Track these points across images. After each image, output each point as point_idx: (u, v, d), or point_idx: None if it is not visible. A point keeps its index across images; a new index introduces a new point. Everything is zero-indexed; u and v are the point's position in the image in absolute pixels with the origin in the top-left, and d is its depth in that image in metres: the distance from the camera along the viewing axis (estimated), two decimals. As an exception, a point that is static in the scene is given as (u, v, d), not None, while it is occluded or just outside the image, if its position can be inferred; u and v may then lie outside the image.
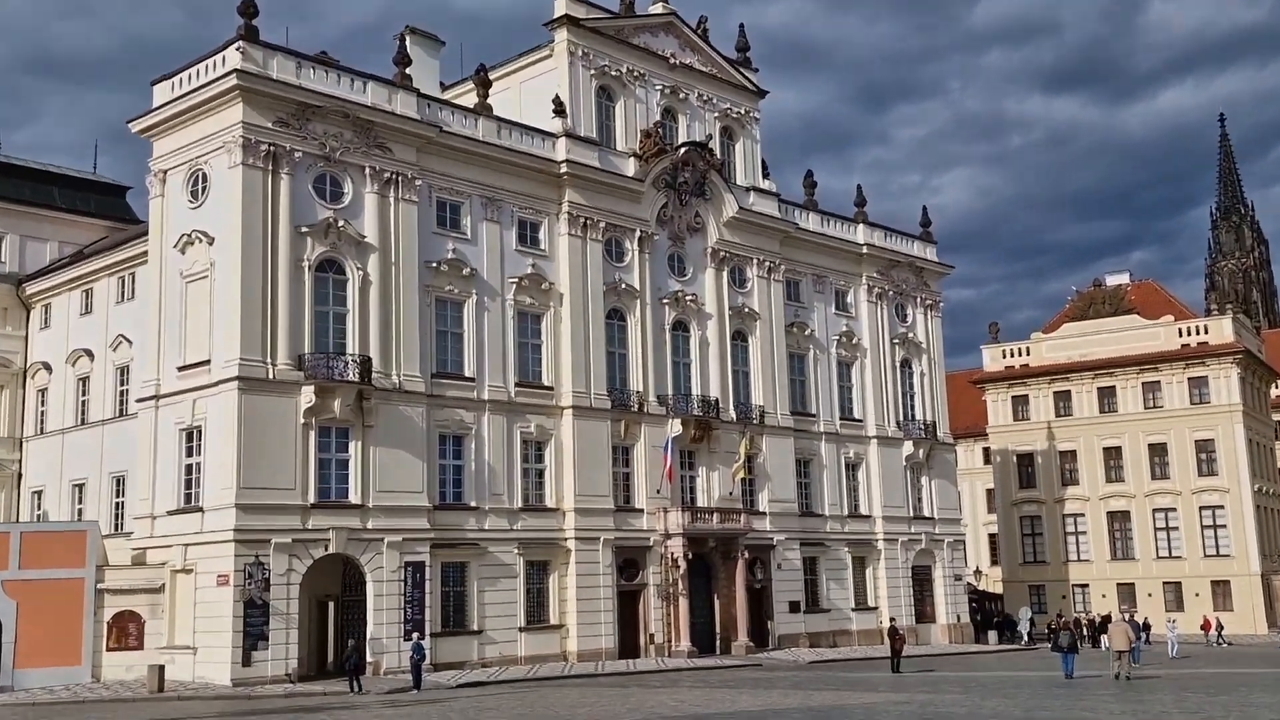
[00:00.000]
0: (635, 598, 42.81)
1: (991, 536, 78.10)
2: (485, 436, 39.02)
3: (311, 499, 34.06)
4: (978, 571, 68.11)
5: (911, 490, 55.65)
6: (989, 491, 77.46)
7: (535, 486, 40.73)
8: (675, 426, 44.30)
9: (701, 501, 45.73)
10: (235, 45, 34.38)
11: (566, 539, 40.72)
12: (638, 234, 44.76)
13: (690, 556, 43.12)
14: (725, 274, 48.16)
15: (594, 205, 43.23)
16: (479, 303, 39.38)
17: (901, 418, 55.76)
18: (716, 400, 46.41)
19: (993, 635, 57.18)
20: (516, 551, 39.35)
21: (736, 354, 48.43)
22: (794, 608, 48.48)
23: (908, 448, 55.12)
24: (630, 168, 45.11)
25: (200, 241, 35.12)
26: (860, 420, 54.02)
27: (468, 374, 38.78)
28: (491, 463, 39.21)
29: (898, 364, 56.14)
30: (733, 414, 47.29)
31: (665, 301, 45.79)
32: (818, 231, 53.23)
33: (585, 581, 40.74)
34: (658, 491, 43.60)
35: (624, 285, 44.18)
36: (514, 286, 40.49)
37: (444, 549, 37.19)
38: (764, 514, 48.05)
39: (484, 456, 39.07)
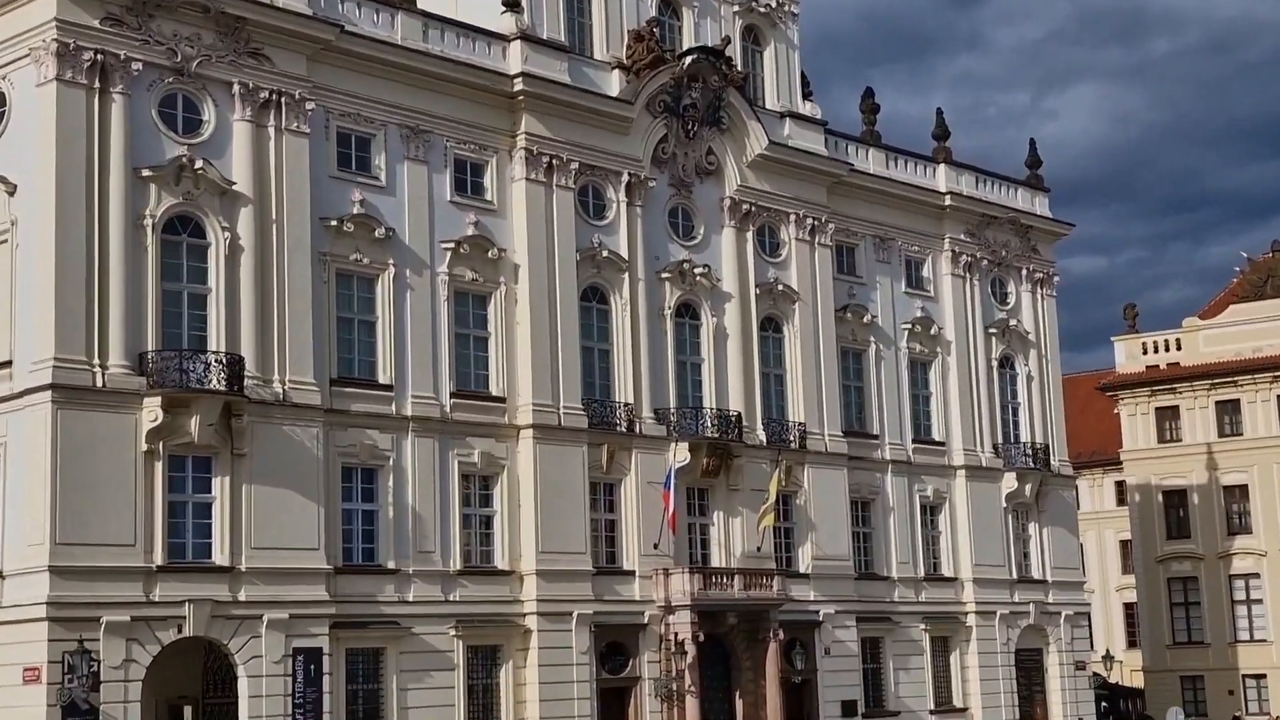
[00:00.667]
0: (623, 697, 43.03)
1: (1128, 607, 78.67)
2: (409, 469, 39.24)
3: (159, 559, 33.91)
4: (1109, 658, 68.39)
5: (1015, 543, 56.28)
6: (1124, 544, 77.99)
7: (481, 540, 41.02)
8: (680, 453, 44.57)
9: (718, 560, 45.97)
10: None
11: (524, 614, 41.08)
12: (625, 179, 44.89)
13: (702, 638, 43.37)
14: (750, 236, 48.53)
15: (562, 138, 43.29)
16: (399, 278, 39.53)
17: (1001, 439, 56.40)
18: (738, 416, 46.62)
19: (1130, 749, 57.97)
20: (453, 633, 39.52)
21: (767, 350, 48.88)
22: (848, 710, 48.76)
23: (1009, 482, 55.65)
24: (614, 84, 45.22)
25: (-6, 190, 34.96)
26: (942, 444, 54.62)
27: (383, 380, 39.10)
28: (417, 506, 39.40)
29: (994, 363, 56.68)
30: (761, 436, 47.67)
31: (665, 275, 46.01)
32: (881, 176, 53.72)
33: (551, 674, 40.95)
34: (655, 547, 43.86)
35: (605, 252, 44.24)
36: (449, 254, 40.69)
37: (349, 629, 37.28)
38: (806, 577, 48.47)
39: (405, 498, 39.24)
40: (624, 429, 43.90)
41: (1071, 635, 57.19)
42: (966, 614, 53.73)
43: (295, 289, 37.04)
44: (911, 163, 55.06)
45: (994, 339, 56.65)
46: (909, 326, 53.87)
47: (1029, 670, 55.81)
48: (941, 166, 55.76)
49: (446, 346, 40.48)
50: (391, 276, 39.50)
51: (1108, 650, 71.35)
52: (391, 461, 38.90)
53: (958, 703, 53.17)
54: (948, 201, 55.24)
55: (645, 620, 43.36)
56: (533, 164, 42.57)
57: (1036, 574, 56.70)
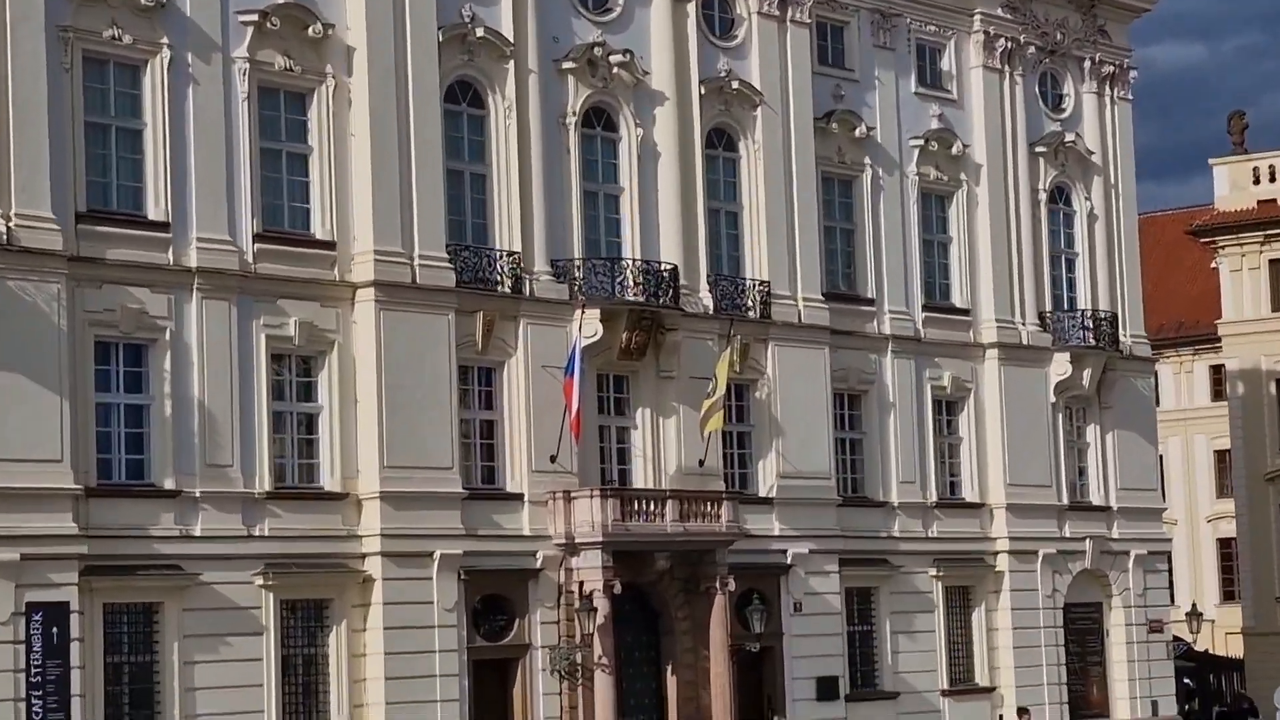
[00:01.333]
0: (505, 673, 43.80)
1: (1224, 545, 79.92)
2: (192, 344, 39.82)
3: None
4: (1195, 615, 69.10)
5: (1066, 454, 57.17)
6: (1220, 455, 79.32)
7: (301, 450, 41.63)
8: (589, 325, 44.98)
9: (643, 479, 46.71)
10: None
11: (363, 555, 41.72)
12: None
13: (619, 590, 43.90)
14: (692, 9, 48.61)
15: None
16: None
17: (1049, 306, 57.24)
18: (673, 272, 46.88)
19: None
20: (261, 582, 39.88)
21: (716, 177, 49.50)
22: (826, 691, 49.54)
23: (1060, 367, 56.41)
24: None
25: None
26: (965, 313, 55.40)
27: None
28: (208, 400, 39.74)
29: (1042, 197, 57.38)
30: (706, 301, 48.34)
31: (567, 66, 46.08)
32: (881, -85, 54.11)
33: (402, 640, 41.36)
34: (552, 460, 44.41)
35: (480, 32, 44.11)
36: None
37: (107, 577, 37.51)
38: (768, 503, 49.18)
39: (187, 387, 39.51)
40: (508, 289, 44.19)
41: (1144, 584, 58.13)
42: (996, 554, 54.51)
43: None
44: (926, -99, 55.56)
45: (1043, 162, 57.19)
46: (921, 143, 54.15)
47: (1083, 634, 56.76)
48: (968, -101, 56.31)
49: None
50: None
51: (1194, 605, 71.40)
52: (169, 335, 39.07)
53: (981, 679, 54.06)
54: (979, -41, 55.75)
55: (538, 564, 43.92)
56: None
57: (1096, 498, 57.72)
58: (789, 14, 50.47)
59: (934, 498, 53.73)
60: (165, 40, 39.39)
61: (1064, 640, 55.81)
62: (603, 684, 43.44)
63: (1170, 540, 64.43)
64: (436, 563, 41.85)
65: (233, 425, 39.72)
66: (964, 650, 53.99)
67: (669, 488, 46.03)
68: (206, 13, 40.05)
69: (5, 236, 36.21)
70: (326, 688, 40.94)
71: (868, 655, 51.55)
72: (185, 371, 39.09)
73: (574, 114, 46.00)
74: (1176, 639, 63.51)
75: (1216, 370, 77.91)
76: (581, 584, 43.80)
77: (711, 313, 47.92)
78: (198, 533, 38.98)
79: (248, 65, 40.74)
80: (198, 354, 39.25)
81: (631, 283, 45.78)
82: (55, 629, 35.87)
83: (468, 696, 42.19)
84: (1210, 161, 74.21)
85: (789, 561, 48.90)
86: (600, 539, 43.46)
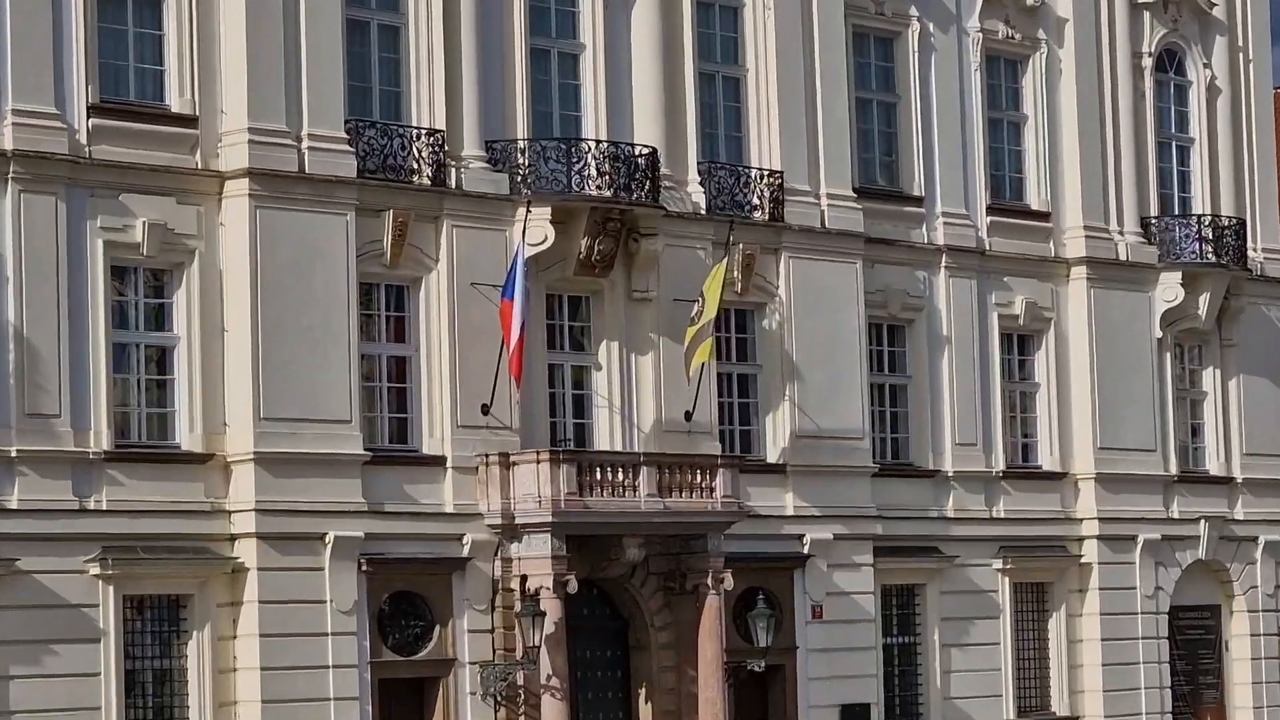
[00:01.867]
0: (420, 695, 44.02)
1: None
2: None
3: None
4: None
5: (1176, 407, 57.94)
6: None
7: (155, 397, 41.71)
8: (537, 228, 45.06)
9: (608, 439, 47.13)
10: None
11: (231, 537, 41.80)
12: None
13: (575, 588, 44.22)
14: None
15: None
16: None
17: (1154, 210, 57.83)
18: (651, 155, 46.97)
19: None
20: (96, 571, 39.84)
21: (709, 29, 49.84)
22: (855, 721, 49.63)
23: (1168, 289, 57.17)
24: None
25: None
26: (1044, 215, 56.25)
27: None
28: None
29: (1147, 63, 58.12)
30: (697, 194, 48.65)
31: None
32: None
33: (282, 652, 41.48)
34: (485, 411, 44.60)
35: None
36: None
37: None
38: (780, 470, 49.66)
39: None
40: (427, 180, 44.25)
41: (1276, 580, 58.62)
42: (1082, 541, 55.17)
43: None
44: None
45: (1148, 16, 57.76)
46: None
47: (1195, 645, 57.26)
48: None
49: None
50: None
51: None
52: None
53: (1059, 706, 54.68)
54: None
55: (465, 552, 44.17)
56: None
57: (1214, 467, 58.62)
58: None
59: (1000, 465, 54.17)
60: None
61: (1170, 654, 56.17)
62: (552, 712, 43.48)
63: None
64: (329, 548, 42.03)
65: (60, 364, 39.71)
66: (1037, 668, 54.46)
67: (644, 450, 46.22)
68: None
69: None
70: (184, 712, 40.96)
71: (910, 676, 52.07)
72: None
73: (507, -47, 45.73)
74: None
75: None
76: (524, 579, 43.97)
77: (703, 212, 48.15)
78: (13, 505, 38.90)
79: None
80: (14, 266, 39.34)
81: (594, 171, 45.62)
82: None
83: (369, 730, 42.63)
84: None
85: (806, 551, 49.34)
86: (550, 519, 43.57)
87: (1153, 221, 57.11)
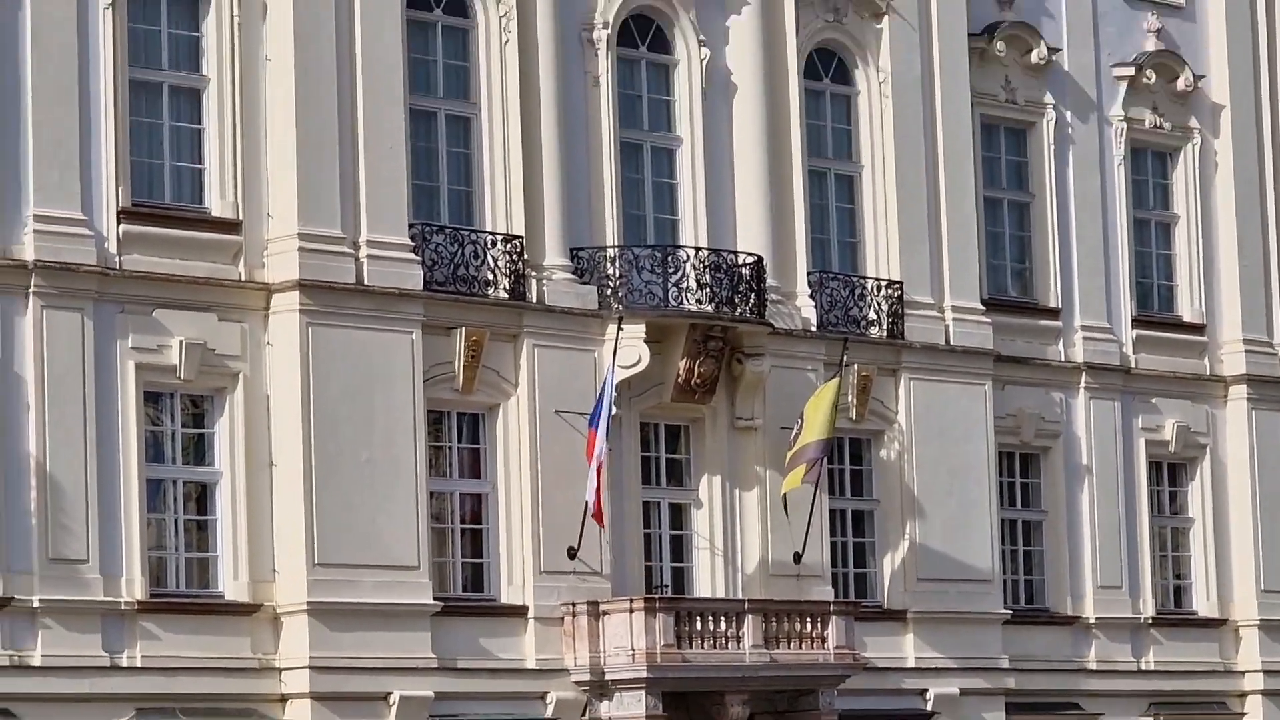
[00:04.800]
0: None
1: None
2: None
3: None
4: None
5: None
6: None
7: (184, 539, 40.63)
8: (629, 350, 44.67)
9: (708, 585, 46.80)
10: None
11: (286, 696, 41.09)
12: None
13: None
14: None
15: None
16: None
17: None
18: (757, 264, 46.73)
19: None
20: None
21: (820, 123, 49.79)
22: None
23: None
24: None
25: None
26: (1199, 328, 55.96)
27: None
28: None
29: None
30: (806, 308, 48.24)
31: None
32: None
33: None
34: (571, 556, 44.04)
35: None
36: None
37: None
38: (899, 617, 49.30)
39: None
40: (503, 293, 43.60)
41: None
42: (1244, 697, 54.71)
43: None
44: None
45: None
46: (1131, 73, 54.77)
47: None
48: None
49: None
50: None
51: None
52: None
53: None
54: None
55: (549, 712, 43.83)
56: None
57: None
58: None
59: (1150, 611, 53.57)
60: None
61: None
62: None
63: None
64: (394, 709, 41.44)
65: (88, 502, 38.76)
66: None
67: (748, 597, 45.75)
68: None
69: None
70: None
71: None
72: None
73: (604, 25, 45.36)
74: None
75: None
76: (609, 752, 43.29)
77: (814, 329, 47.86)
78: (36, 662, 38.23)
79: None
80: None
81: (694, 284, 45.38)
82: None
83: None
84: None
85: (930, 707, 49.10)
86: (645, 674, 43.08)
87: (1322, 335, 57.09)
